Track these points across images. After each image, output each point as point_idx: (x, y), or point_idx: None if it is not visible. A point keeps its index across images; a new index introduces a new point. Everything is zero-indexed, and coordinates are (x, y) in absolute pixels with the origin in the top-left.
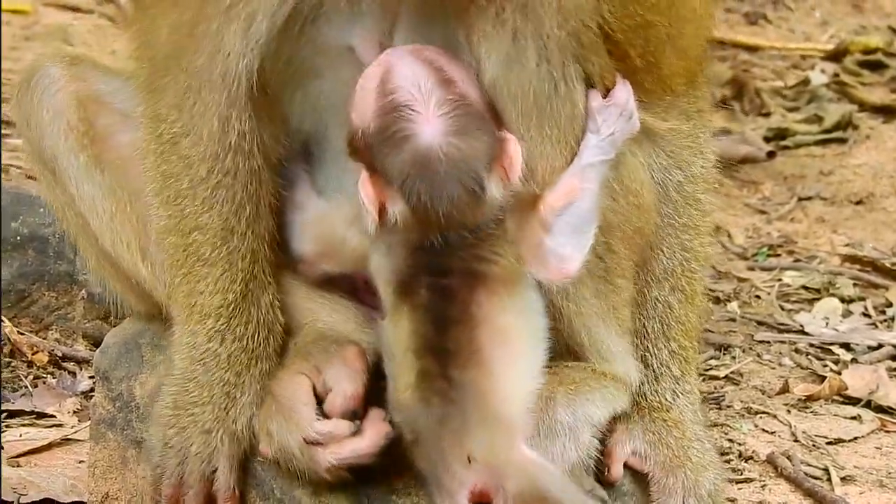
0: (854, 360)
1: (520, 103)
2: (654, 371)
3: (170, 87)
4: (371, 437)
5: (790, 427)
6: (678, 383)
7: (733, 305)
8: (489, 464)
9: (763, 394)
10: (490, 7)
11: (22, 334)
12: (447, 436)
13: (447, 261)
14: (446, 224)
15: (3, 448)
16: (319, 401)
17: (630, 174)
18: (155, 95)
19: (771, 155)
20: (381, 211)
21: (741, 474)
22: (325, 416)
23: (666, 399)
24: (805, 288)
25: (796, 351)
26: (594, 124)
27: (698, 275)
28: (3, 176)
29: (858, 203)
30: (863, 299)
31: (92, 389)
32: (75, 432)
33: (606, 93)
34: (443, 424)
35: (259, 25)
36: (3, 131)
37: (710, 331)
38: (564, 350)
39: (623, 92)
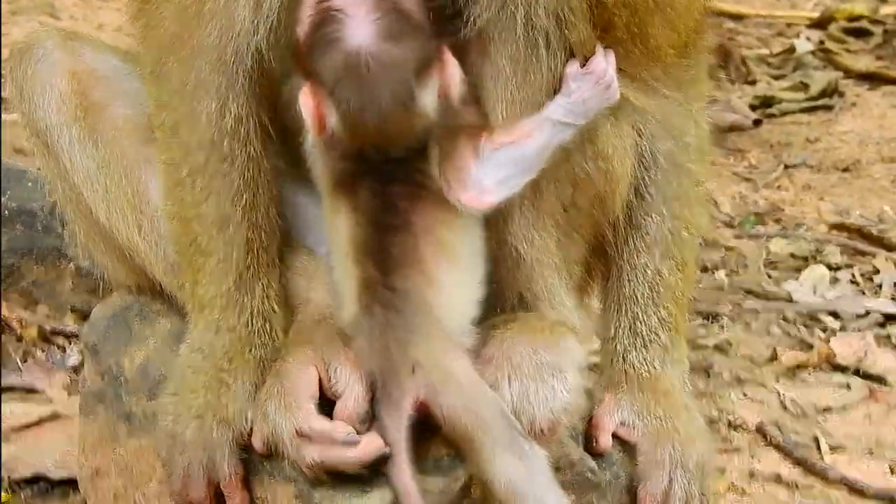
0: (842, 328)
1: (503, 70)
2: (642, 338)
3: (173, 72)
4: (363, 449)
5: (779, 396)
6: (667, 352)
7: (720, 274)
8: (431, 374)
9: (751, 363)
10: None
11: (10, 310)
12: (392, 344)
13: (389, 168)
14: (378, 135)
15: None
16: (322, 394)
17: (604, 139)
18: (159, 82)
19: (757, 123)
20: (321, 123)
21: (730, 444)
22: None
23: (655, 368)
24: (792, 256)
25: (784, 319)
26: (567, 88)
27: (689, 243)
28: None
29: (845, 170)
30: (850, 267)
31: (81, 364)
32: (65, 408)
33: (586, 62)
34: (386, 332)
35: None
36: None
37: (697, 300)
38: (516, 299)
39: (601, 61)
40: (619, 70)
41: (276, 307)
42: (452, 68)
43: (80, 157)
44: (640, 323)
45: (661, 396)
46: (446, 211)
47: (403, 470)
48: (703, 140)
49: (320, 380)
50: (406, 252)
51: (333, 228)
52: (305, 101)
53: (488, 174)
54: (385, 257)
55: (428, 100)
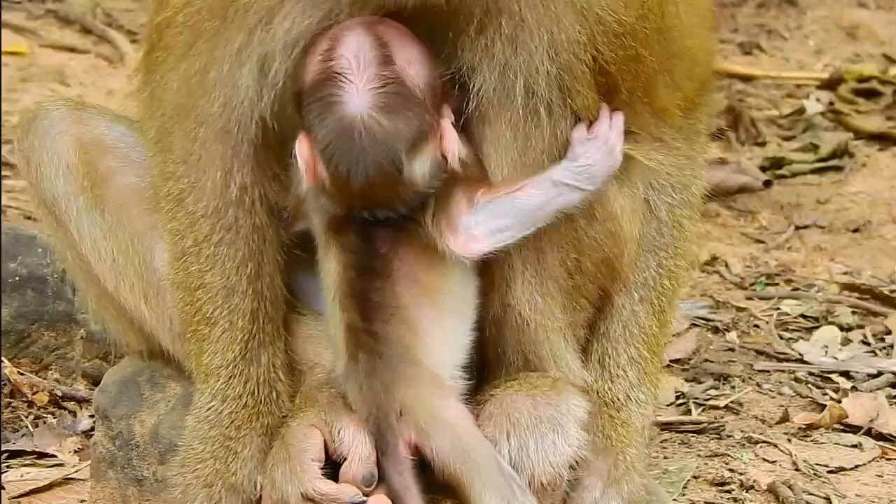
0: (854, 388)
1: (503, 135)
2: (609, 373)
3: (177, 142)
4: None
5: (791, 456)
6: (633, 389)
7: (732, 335)
8: (418, 417)
9: (763, 423)
10: (479, 39)
11: (22, 374)
12: (379, 388)
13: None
14: (363, 198)
15: (3, 489)
16: (328, 456)
17: (612, 199)
18: (164, 153)
19: (767, 184)
20: (314, 171)
21: None
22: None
23: (618, 399)
24: (804, 316)
25: (796, 380)
26: (573, 152)
27: (669, 294)
28: (1, 217)
29: (856, 231)
30: (861, 327)
31: (92, 428)
32: (76, 472)
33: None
34: (372, 378)
35: (274, 67)
36: (2, 173)
37: (709, 360)
38: (521, 362)
39: (605, 125)
40: (628, 131)
41: (282, 375)
42: (450, 140)
43: (88, 226)
44: (609, 358)
45: (619, 424)
46: (431, 257)
47: None
48: (699, 198)
49: (326, 442)
50: (387, 298)
51: (324, 272)
52: (301, 149)
53: (480, 223)
54: (367, 302)
55: (418, 171)
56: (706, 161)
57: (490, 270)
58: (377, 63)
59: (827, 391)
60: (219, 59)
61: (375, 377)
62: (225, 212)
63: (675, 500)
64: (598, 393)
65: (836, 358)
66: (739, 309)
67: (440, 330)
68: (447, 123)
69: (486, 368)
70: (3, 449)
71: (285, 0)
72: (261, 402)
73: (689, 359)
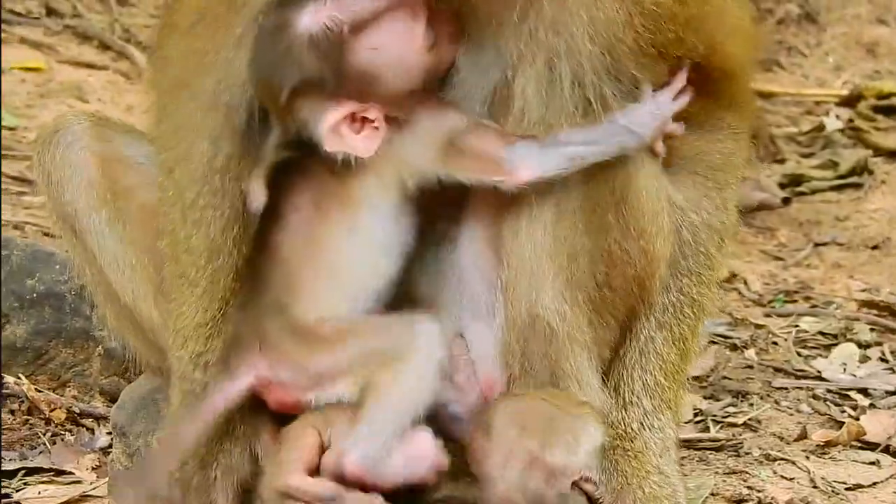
0: (872, 406)
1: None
2: (623, 399)
3: (172, 114)
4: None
5: (809, 473)
6: (647, 416)
7: (750, 352)
8: (275, 358)
9: (781, 440)
10: (523, 26)
11: (39, 391)
12: (243, 322)
13: (305, 158)
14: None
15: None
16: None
17: (649, 216)
18: (160, 125)
19: (786, 201)
20: None
21: None
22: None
23: (632, 429)
24: (822, 334)
25: (814, 397)
26: (642, 102)
27: (690, 321)
28: (19, 233)
29: (874, 248)
30: (880, 344)
31: (110, 445)
32: (94, 489)
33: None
34: (240, 310)
35: None
36: (20, 189)
37: (727, 378)
38: (547, 376)
39: (674, 86)
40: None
41: None
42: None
43: (108, 241)
44: (624, 384)
45: (633, 457)
46: (336, 213)
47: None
48: (729, 227)
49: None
50: (274, 243)
51: None
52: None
53: (525, 153)
54: (258, 246)
55: (304, 112)
56: (738, 187)
57: (515, 277)
58: (352, 19)
59: (845, 408)
60: (218, 42)
61: (244, 309)
62: (211, 178)
63: None
64: (612, 424)
65: (854, 375)
66: (758, 326)
67: (319, 282)
68: (338, 117)
69: (512, 383)
70: (21, 467)
71: None
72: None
73: (708, 376)
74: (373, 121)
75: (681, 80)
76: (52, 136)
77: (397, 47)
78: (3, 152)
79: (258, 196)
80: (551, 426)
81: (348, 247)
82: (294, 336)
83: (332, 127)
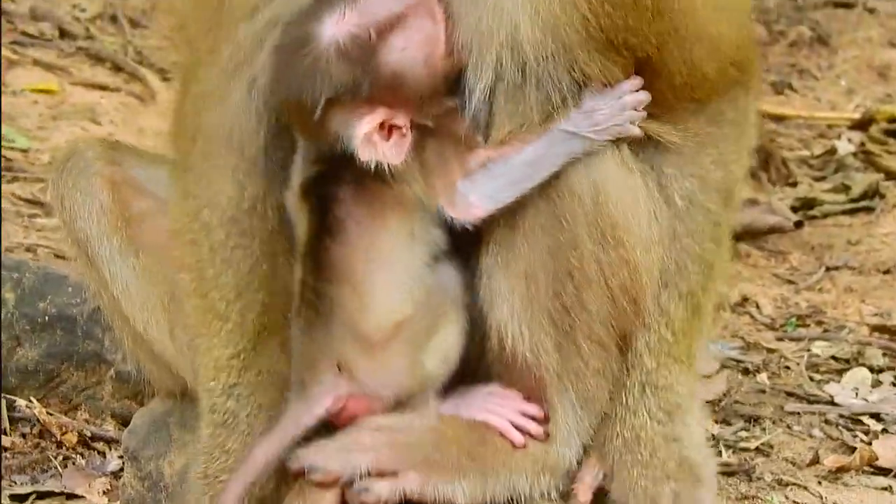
0: (884, 431)
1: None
2: (626, 364)
3: (194, 160)
4: None
5: (821, 499)
6: (650, 376)
7: (762, 377)
8: (357, 373)
9: (793, 465)
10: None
11: (51, 415)
12: (313, 345)
13: (342, 170)
14: (286, 114)
15: None
16: None
17: (624, 224)
18: (184, 174)
19: (798, 225)
20: None
21: None
22: None
23: (633, 397)
24: (834, 358)
25: (826, 422)
26: (582, 104)
27: (696, 276)
28: (31, 256)
29: (886, 272)
30: (892, 369)
31: (121, 469)
32: None
33: None
34: (308, 334)
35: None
36: (32, 211)
37: (739, 402)
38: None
39: (623, 84)
40: (648, 109)
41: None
42: (367, 140)
43: (120, 267)
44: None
45: (635, 442)
46: (393, 219)
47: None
48: (732, 183)
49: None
50: (334, 258)
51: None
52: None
53: (475, 188)
54: (317, 262)
55: (337, 127)
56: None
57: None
58: (376, 23)
59: (857, 433)
60: (213, 79)
61: (311, 335)
62: (240, 220)
63: None
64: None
65: (866, 400)
66: (770, 350)
67: (384, 294)
68: (373, 125)
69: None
70: (32, 490)
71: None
72: (270, 399)
73: (720, 400)
74: (400, 127)
75: (636, 77)
76: (65, 162)
77: (423, 49)
78: (15, 174)
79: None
80: None
81: (409, 253)
82: (370, 350)
83: (366, 136)
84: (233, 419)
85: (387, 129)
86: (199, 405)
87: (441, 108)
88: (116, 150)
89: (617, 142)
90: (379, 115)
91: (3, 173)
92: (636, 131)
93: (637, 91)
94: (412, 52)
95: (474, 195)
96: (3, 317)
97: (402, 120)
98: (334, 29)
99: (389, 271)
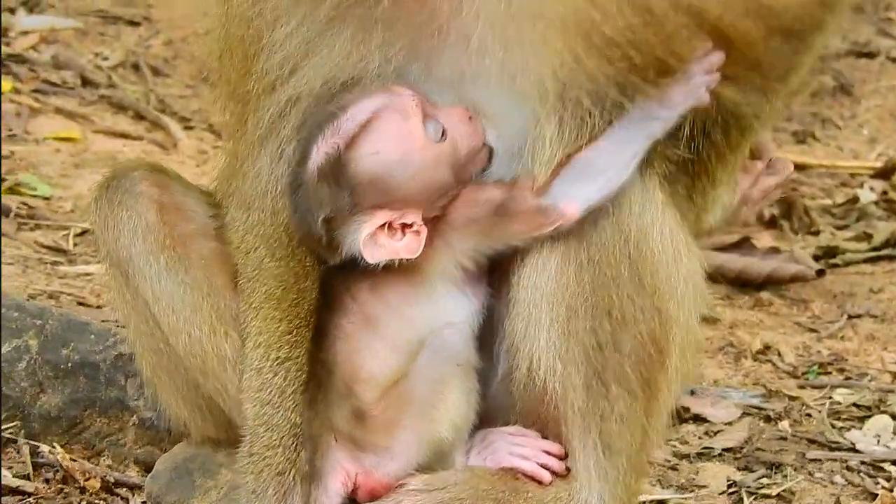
0: None
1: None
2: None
3: (238, 226)
4: None
5: None
6: None
7: (784, 424)
8: (360, 446)
9: None
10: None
11: (74, 461)
12: (316, 418)
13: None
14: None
15: None
16: None
17: (663, 274)
18: (228, 228)
19: (820, 273)
20: None
21: None
22: None
23: None
24: (856, 405)
25: (848, 469)
26: (656, 92)
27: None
28: (54, 302)
29: None
30: None
31: None
32: None
33: None
34: (312, 408)
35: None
36: (55, 258)
37: (761, 449)
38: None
39: (695, 63)
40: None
41: None
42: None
43: (166, 284)
44: None
45: None
46: (404, 288)
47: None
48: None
49: None
50: (333, 328)
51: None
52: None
53: (559, 195)
54: (320, 333)
55: (347, 238)
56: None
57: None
58: (344, 137)
59: (879, 480)
60: (244, 147)
61: (314, 408)
62: (287, 279)
63: None
64: None
65: (888, 447)
66: (792, 398)
67: (380, 360)
68: (372, 229)
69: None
70: None
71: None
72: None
73: (741, 447)
74: (411, 225)
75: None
76: (110, 182)
77: (395, 147)
78: (38, 222)
79: None
80: None
81: (406, 324)
82: (363, 420)
83: (367, 240)
84: (279, 397)
85: (398, 227)
86: (244, 382)
87: (452, 194)
88: (161, 172)
89: (673, 198)
90: (379, 217)
91: (24, 221)
92: (706, 98)
93: (708, 73)
94: (385, 153)
95: (562, 201)
96: (26, 364)
97: (411, 217)
98: (314, 155)
99: (381, 341)
